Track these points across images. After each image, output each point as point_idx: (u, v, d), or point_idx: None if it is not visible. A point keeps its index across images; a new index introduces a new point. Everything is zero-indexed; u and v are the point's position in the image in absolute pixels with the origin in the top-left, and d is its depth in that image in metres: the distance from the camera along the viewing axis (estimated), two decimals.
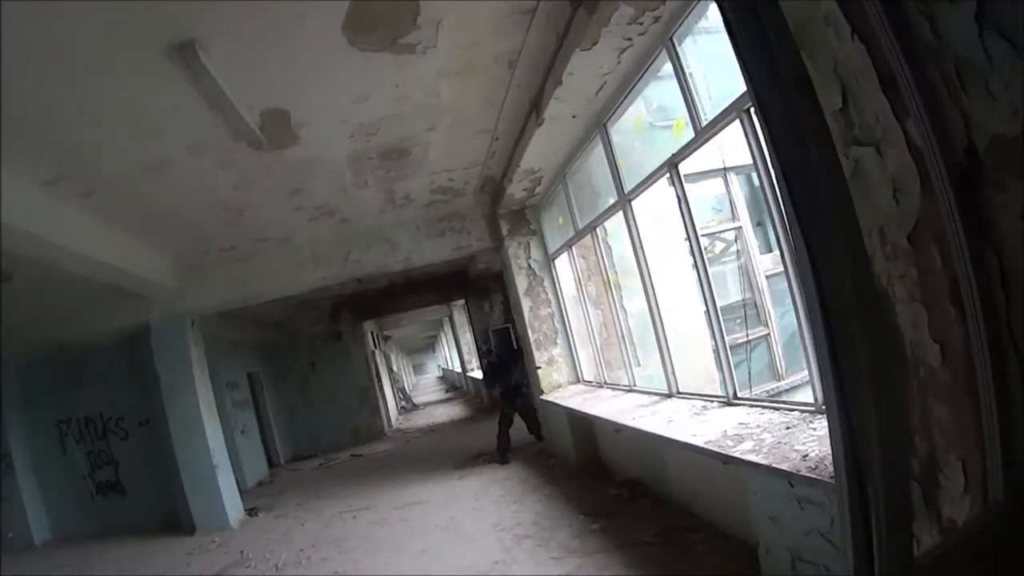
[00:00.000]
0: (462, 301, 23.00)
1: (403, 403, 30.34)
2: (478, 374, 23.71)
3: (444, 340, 43.53)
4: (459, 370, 33.45)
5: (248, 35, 4.82)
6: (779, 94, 2.03)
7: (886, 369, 2.51)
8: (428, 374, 64.95)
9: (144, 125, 5.77)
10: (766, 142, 2.10)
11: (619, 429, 6.83)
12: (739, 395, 5.56)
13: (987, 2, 1.86)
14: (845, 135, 2.50)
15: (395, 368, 34.91)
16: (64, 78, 4.69)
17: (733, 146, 5.86)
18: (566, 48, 5.65)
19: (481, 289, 20.97)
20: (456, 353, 32.89)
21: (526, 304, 11.11)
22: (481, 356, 20.14)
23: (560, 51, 5.82)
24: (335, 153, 7.72)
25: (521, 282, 11.13)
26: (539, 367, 10.98)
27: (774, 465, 3.65)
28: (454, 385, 38.46)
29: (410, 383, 41.38)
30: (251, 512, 11.55)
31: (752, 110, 4.22)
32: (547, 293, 11.16)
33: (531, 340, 11.04)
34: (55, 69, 4.55)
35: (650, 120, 7.22)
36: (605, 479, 8.57)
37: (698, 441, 4.74)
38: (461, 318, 28.01)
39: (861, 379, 1.97)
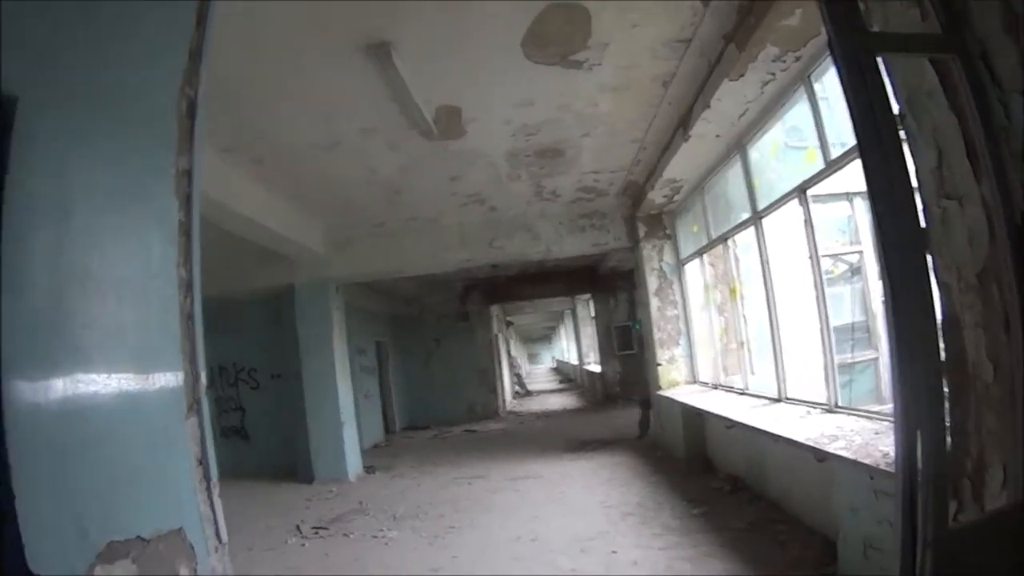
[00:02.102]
0: (588, 296, 23.53)
1: (517, 388, 31.06)
2: (595, 367, 24.27)
3: (563, 332, 43.76)
4: (575, 362, 33.82)
5: (436, 40, 5.61)
6: (880, 148, 2.62)
7: (953, 381, 3.11)
8: (542, 364, 65.20)
9: (325, 107, 6.64)
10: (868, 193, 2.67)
11: (731, 424, 7.36)
12: (839, 405, 6.05)
13: None
14: (938, 189, 3.07)
15: (513, 354, 35.66)
16: (263, 60, 5.51)
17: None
18: (716, 76, 6.24)
19: (608, 286, 21.48)
20: (575, 345, 33.28)
21: (654, 304, 11.65)
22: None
23: (710, 78, 6.41)
24: (495, 148, 8.49)
25: (652, 282, 11.68)
26: (660, 364, 11.50)
27: (858, 460, 4.23)
28: (568, 377, 38.78)
29: (524, 370, 42.11)
30: (369, 469, 12.33)
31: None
32: (675, 295, 11.65)
33: (655, 338, 11.57)
34: (256, 51, 5.33)
35: (785, 140, 7.64)
36: (709, 473, 9.06)
37: (799, 437, 5.31)
38: (584, 312, 28.52)
39: (935, 390, 2.55)
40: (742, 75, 5.97)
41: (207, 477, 2.94)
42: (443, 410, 19.85)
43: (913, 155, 3.20)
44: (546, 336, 55.78)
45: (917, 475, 2.48)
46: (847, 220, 9.19)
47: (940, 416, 2.55)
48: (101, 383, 2.39)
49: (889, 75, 3.16)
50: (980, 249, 2.88)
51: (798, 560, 5.40)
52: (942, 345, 3.12)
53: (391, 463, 13.13)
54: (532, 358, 61.29)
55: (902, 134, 3.03)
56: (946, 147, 3.01)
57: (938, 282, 3.19)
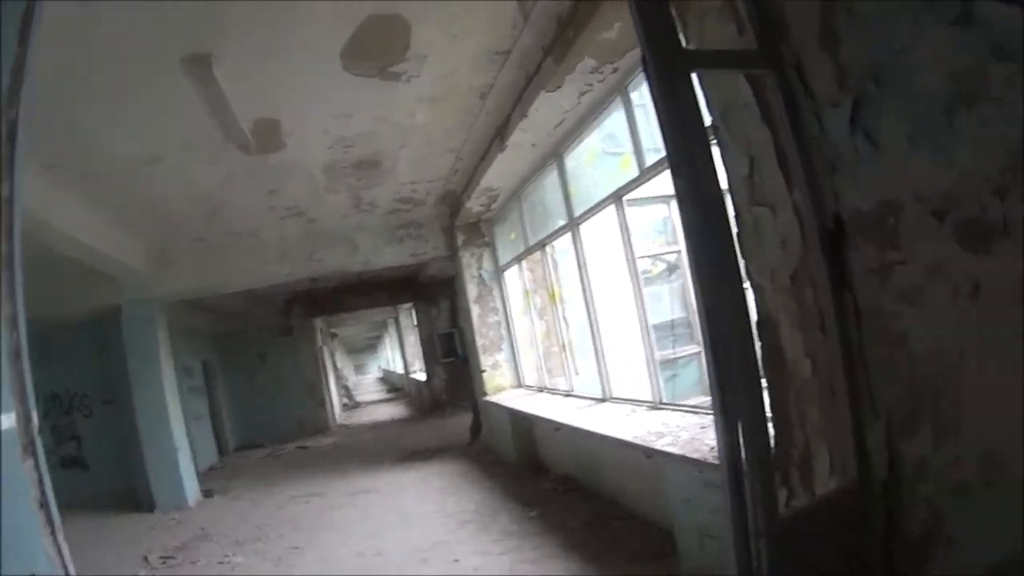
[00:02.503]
0: (410, 304, 23.51)
1: (346, 400, 30.66)
2: (420, 376, 24.25)
3: (387, 341, 43.44)
4: (401, 371, 33.66)
5: (256, 53, 5.44)
6: (690, 162, 2.72)
7: (772, 377, 3.30)
8: (369, 374, 64.49)
9: (148, 121, 6.31)
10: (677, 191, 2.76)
11: (558, 427, 7.56)
12: (664, 401, 6.32)
13: (858, 110, 2.61)
14: (750, 196, 3.25)
15: (339, 366, 35.16)
16: (87, 71, 5.17)
17: None
18: (533, 87, 6.35)
19: (429, 294, 21.55)
20: (400, 354, 33.15)
21: (475, 311, 11.79)
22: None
23: (528, 89, 6.52)
24: (314, 160, 8.34)
25: (472, 290, 11.82)
26: (484, 370, 11.67)
27: (686, 455, 4.45)
28: (395, 386, 38.53)
29: (351, 382, 41.56)
30: (207, 493, 11.88)
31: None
32: (495, 302, 11.86)
33: (478, 345, 11.71)
34: (81, 63, 5.00)
35: (603, 147, 7.88)
36: (541, 475, 9.20)
37: (626, 436, 5.52)
38: (407, 321, 28.40)
39: (752, 384, 2.67)
40: (559, 86, 6.12)
41: (50, 521, 2.80)
42: (275, 427, 19.36)
43: (725, 165, 3.38)
44: (371, 346, 55.20)
45: (742, 467, 2.56)
46: (664, 221, 9.61)
47: (760, 410, 2.65)
48: None
49: (704, 89, 3.31)
50: (792, 253, 3.06)
51: (638, 554, 5.57)
52: (759, 343, 3.30)
53: (228, 485, 12.77)
54: (358, 369, 60.47)
55: (715, 144, 3.19)
56: (758, 157, 3.18)
57: (752, 284, 3.38)
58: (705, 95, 3.34)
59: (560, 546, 6.16)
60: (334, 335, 33.38)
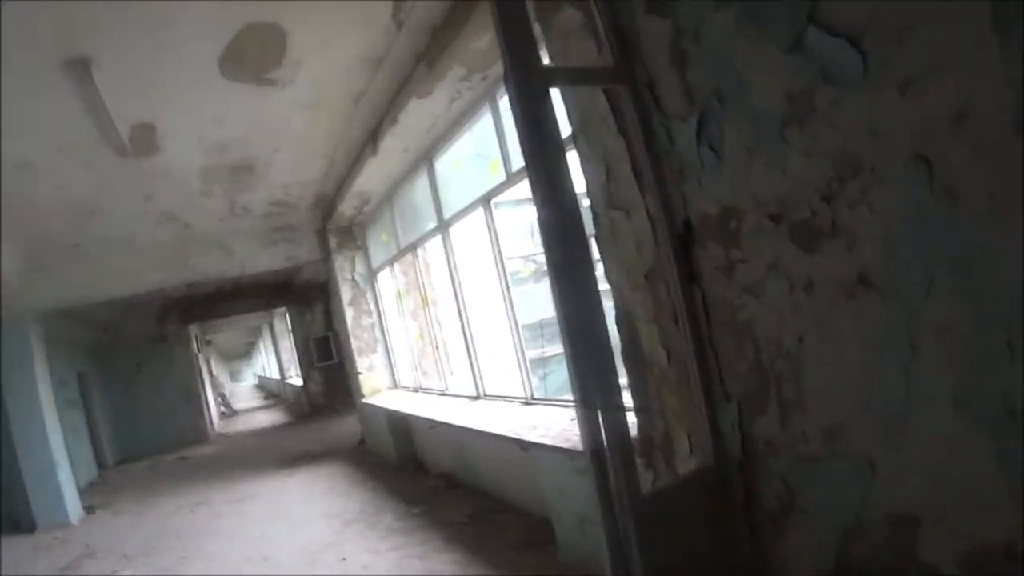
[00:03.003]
0: (284, 309, 23.27)
1: (223, 408, 29.89)
2: (297, 381, 23.91)
3: (263, 347, 42.52)
4: (278, 377, 33.12)
5: (135, 56, 5.34)
6: (546, 164, 2.92)
7: (631, 368, 3.56)
8: (244, 382, 62.65)
9: (21, 124, 6.02)
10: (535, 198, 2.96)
11: (434, 425, 7.72)
12: (535, 397, 6.59)
13: (703, 124, 2.89)
14: (607, 201, 3.51)
15: (215, 373, 34.19)
16: None
17: None
18: (405, 93, 6.48)
19: (304, 298, 21.42)
20: (275, 360, 32.62)
21: (349, 314, 11.80)
22: None
23: (399, 95, 6.65)
24: (189, 164, 8.20)
25: (346, 293, 11.82)
26: (360, 372, 11.70)
27: (557, 445, 4.71)
28: (272, 392, 37.69)
29: (228, 389, 40.42)
30: (88, 510, 11.45)
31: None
32: (369, 304, 11.90)
33: (354, 348, 11.73)
34: None
35: (477, 151, 8.05)
36: (423, 473, 9.33)
37: (501, 431, 5.74)
38: (282, 326, 27.97)
39: (609, 376, 2.90)
40: (430, 93, 6.26)
41: None
42: (154, 439, 18.74)
43: (584, 172, 3.65)
44: (246, 352, 53.69)
45: (605, 453, 2.78)
46: (534, 224, 9.88)
47: (618, 399, 2.87)
48: None
49: (564, 101, 3.55)
50: (647, 253, 3.34)
51: (519, 543, 5.79)
52: (618, 338, 3.57)
53: (110, 500, 12.36)
54: (234, 376, 58.63)
55: (574, 153, 3.43)
56: (614, 165, 3.44)
57: (610, 283, 3.66)
58: (566, 106, 3.59)
59: (445, 540, 6.32)
60: (209, 342, 32.45)
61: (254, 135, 7.67)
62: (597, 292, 2.86)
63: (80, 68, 5.23)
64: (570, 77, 3.41)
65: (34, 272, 10.45)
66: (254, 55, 5.76)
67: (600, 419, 2.74)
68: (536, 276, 10.19)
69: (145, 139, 7.01)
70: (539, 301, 10.35)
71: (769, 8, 2.44)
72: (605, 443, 2.75)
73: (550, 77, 3.05)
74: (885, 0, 2.08)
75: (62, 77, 5.31)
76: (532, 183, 2.83)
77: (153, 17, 4.82)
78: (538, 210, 2.83)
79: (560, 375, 9.96)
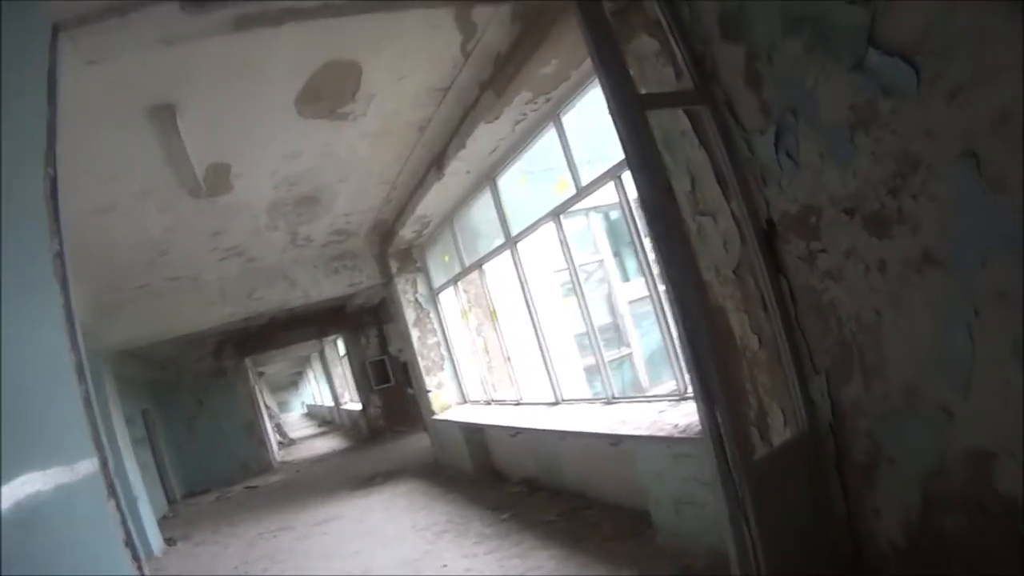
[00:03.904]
0: (336, 336, 23.64)
1: (280, 438, 30.34)
2: (354, 405, 24.31)
3: (312, 376, 42.84)
4: (330, 404, 33.48)
5: (218, 101, 5.74)
6: (649, 181, 3.39)
7: (725, 354, 3.97)
8: (293, 411, 63.18)
9: (106, 171, 6.44)
10: (641, 212, 3.43)
11: (517, 433, 8.13)
12: (617, 396, 6.94)
13: (780, 135, 3.32)
14: (693, 208, 3.95)
15: (268, 404, 34.73)
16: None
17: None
18: (471, 119, 6.90)
19: (357, 324, 21.80)
20: (328, 387, 32.98)
21: (415, 334, 12.19)
22: None
23: (465, 121, 7.07)
24: (259, 200, 8.64)
25: (410, 315, 12.23)
26: (429, 391, 12.10)
27: (654, 434, 5.11)
28: (324, 420, 38.13)
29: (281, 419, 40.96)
30: (169, 542, 11.76)
31: (625, 179, 5.62)
32: (433, 324, 12.29)
33: (421, 367, 12.12)
34: None
35: (526, 168, 8.44)
36: (501, 482, 9.62)
37: (592, 429, 6.14)
38: (333, 353, 28.45)
39: (719, 361, 3.35)
40: (497, 117, 6.67)
41: (136, 557, 3.10)
42: (218, 471, 19.08)
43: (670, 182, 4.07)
44: (293, 383, 54.27)
45: (719, 428, 3.23)
46: (584, 232, 10.27)
47: (728, 382, 3.36)
48: (40, 482, 2.53)
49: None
50: (734, 251, 3.77)
51: (615, 534, 6.10)
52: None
53: (187, 532, 12.63)
54: (282, 406, 59.06)
55: None
56: (698, 175, 3.89)
57: None
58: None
59: (539, 538, 6.61)
60: (261, 374, 33.06)
61: (322, 167, 8.07)
62: (703, 286, 3.32)
63: (165, 114, 5.60)
64: (662, 101, 3.86)
65: (104, 314, 10.89)
66: (330, 92, 6.15)
67: (715, 399, 3.17)
68: (596, 283, 10.54)
69: (219, 179, 7.43)
70: (595, 308, 10.67)
71: (833, 34, 2.87)
72: (720, 423, 3.18)
73: (647, 103, 3.52)
74: (933, 23, 2.50)
75: (147, 123, 5.69)
76: (641, 196, 3.31)
77: (238, 62, 5.17)
78: (649, 222, 3.31)
79: (623, 377, 10.32)
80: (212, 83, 5.42)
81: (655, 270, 5.29)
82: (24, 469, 2.45)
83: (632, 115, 3.31)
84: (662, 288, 4.26)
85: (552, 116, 6.74)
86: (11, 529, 2.26)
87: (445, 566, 6.67)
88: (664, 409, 5.66)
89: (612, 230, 11.47)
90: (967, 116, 2.49)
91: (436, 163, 8.31)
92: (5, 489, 2.28)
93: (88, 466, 2.93)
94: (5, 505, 2.26)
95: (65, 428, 2.92)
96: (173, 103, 5.54)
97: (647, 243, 4.55)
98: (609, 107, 3.33)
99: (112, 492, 3.10)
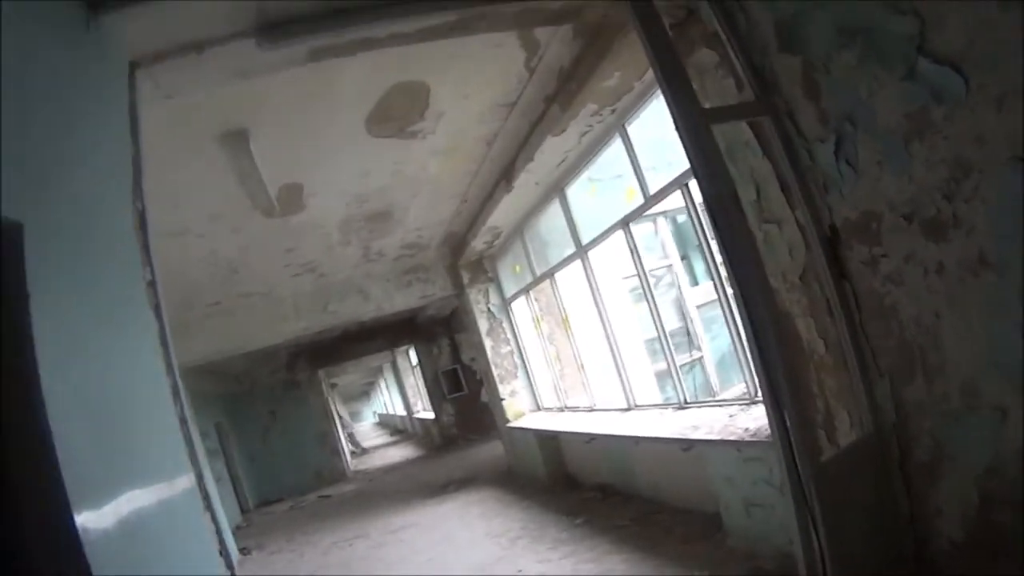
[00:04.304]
0: (408, 346, 24.01)
1: (352, 448, 30.80)
2: (426, 414, 24.60)
3: (384, 386, 43.32)
4: (403, 414, 33.90)
5: (289, 125, 5.98)
6: (716, 192, 3.51)
7: (792, 359, 4.05)
8: (365, 421, 63.95)
9: (177, 196, 6.66)
10: (709, 223, 3.55)
11: (591, 439, 8.23)
12: (688, 401, 7.00)
13: (840, 144, 3.40)
14: (759, 216, 4.05)
15: (340, 414, 35.32)
16: None
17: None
18: (538, 133, 7.07)
19: (429, 334, 22.08)
20: (400, 396, 33.38)
21: (488, 344, 12.38)
22: None
23: (532, 135, 7.23)
24: (331, 218, 8.92)
25: (483, 324, 12.40)
26: (503, 399, 12.25)
27: (725, 438, 5.18)
28: (396, 428, 38.56)
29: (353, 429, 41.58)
30: (244, 551, 12.03)
31: (691, 186, 5.70)
32: (506, 333, 12.45)
33: (495, 375, 12.30)
34: None
35: (590, 175, 8.50)
36: (575, 488, 9.74)
37: (664, 434, 6.24)
38: (404, 363, 28.82)
39: (787, 365, 3.45)
40: (564, 130, 6.81)
41: (229, 566, 3.32)
42: (292, 481, 19.52)
43: None
44: (365, 393, 54.96)
45: (788, 431, 3.33)
46: (651, 237, 10.30)
47: (796, 386, 3.46)
48: (143, 498, 2.73)
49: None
50: (799, 258, 3.86)
51: (688, 536, 6.21)
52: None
53: (262, 541, 12.96)
54: (353, 416, 59.76)
55: None
56: (762, 184, 3.98)
57: None
58: None
59: (613, 543, 6.73)
60: (334, 385, 33.65)
61: (393, 184, 8.30)
62: (770, 292, 3.43)
63: (238, 138, 5.84)
64: (725, 115, 3.97)
65: (178, 331, 11.13)
66: (400, 112, 6.35)
67: (784, 403, 3.27)
68: (665, 287, 10.55)
69: (292, 199, 7.69)
70: (665, 313, 10.66)
71: (884, 44, 2.95)
72: (789, 426, 3.27)
73: (711, 117, 3.65)
74: (977, 33, 2.58)
75: (219, 148, 5.93)
76: (708, 208, 3.43)
77: (309, 87, 5.37)
78: (717, 232, 3.43)
79: (694, 381, 10.30)
80: (283, 108, 5.63)
81: (723, 273, 5.36)
82: (128, 486, 2.57)
83: (697, 130, 3.44)
84: (730, 291, 4.37)
85: (617, 126, 6.84)
86: (114, 543, 2.37)
87: (520, 570, 6.81)
88: (734, 413, 5.73)
89: (679, 234, 11.45)
90: (1014, 122, 2.56)
91: (505, 176, 8.49)
92: (108, 507, 2.43)
93: (185, 481, 3.14)
94: (111, 522, 2.38)
95: (164, 446, 3.12)
96: (246, 128, 5.77)
97: (715, 247, 4.66)
98: (675, 122, 3.46)
99: (208, 504, 3.32)
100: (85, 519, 2.21)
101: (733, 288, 3.48)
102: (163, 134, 5.10)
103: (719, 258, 4.31)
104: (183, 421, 3.40)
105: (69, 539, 2.19)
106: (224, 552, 3.39)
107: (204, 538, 3.28)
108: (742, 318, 3.42)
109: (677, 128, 3.45)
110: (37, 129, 2.59)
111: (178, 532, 3.02)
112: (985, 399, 3.00)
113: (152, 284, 3.52)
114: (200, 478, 3.35)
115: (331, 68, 4.79)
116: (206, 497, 3.36)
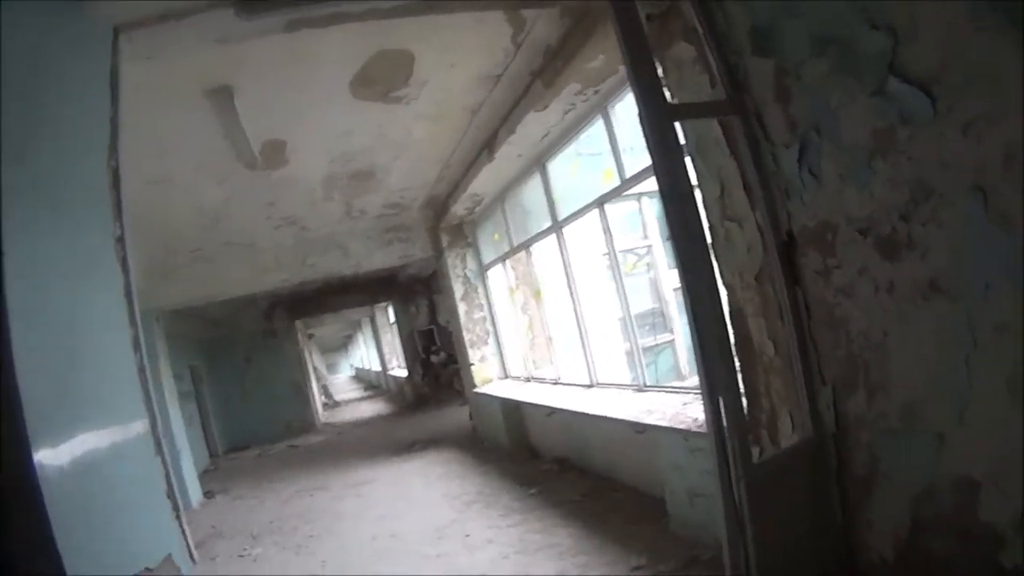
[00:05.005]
0: (388, 303, 24.04)
1: (325, 400, 30.93)
2: (401, 372, 24.74)
3: (362, 340, 43.42)
4: (378, 369, 34.02)
5: (273, 83, 5.99)
6: (672, 190, 3.53)
7: (742, 357, 4.10)
8: (341, 373, 64.10)
9: (162, 146, 6.74)
10: (663, 218, 3.58)
11: (552, 412, 8.32)
12: (648, 384, 7.09)
13: (804, 151, 3.41)
14: (722, 213, 4.07)
15: (316, 366, 35.39)
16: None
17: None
18: (522, 107, 7.07)
19: (408, 292, 22.21)
20: (376, 352, 33.44)
21: (462, 308, 12.48)
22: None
23: (516, 108, 7.24)
24: (314, 174, 8.96)
25: (458, 289, 12.50)
26: (472, 364, 12.38)
27: (675, 426, 5.26)
28: (371, 384, 38.74)
29: (327, 381, 41.71)
30: (208, 495, 12.23)
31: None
32: (481, 299, 12.55)
33: (466, 340, 12.42)
34: None
35: (577, 150, 8.55)
36: (535, 458, 9.84)
37: (621, 415, 6.31)
38: (383, 319, 28.85)
39: (728, 363, 3.50)
40: (547, 106, 6.82)
41: (176, 507, 3.44)
42: (262, 429, 19.60)
43: (701, 187, 4.20)
44: (343, 345, 55.12)
45: (724, 430, 3.38)
46: (637, 215, 10.34)
47: (735, 385, 3.53)
48: (97, 440, 2.87)
49: (682, 126, 4.12)
50: (756, 258, 3.89)
51: (633, 517, 6.31)
52: (732, 331, 4.12)
53: (226, 486, 13.08)
54: (330, 368, 59.97)
55: (692, 172, 3.99)
56: (727, 182, 4.00)
57: (724, 283, 4.22)
58: (684, 131, 4.15)
59: (562, 516, 6.84)
60: (311, 336, 33.65)
61: (377, 146, 8.35)
62: (718, 293, 3.48)
63: (222, 94, 5.88)
64: (692, 111, 3.99)
65: (158, 275, 11.32)
66: (383, 77, 6.38)
67: (721, 403, 3.32)
68: (642, 269, 10.62)
69: (275, 154, 7.74)
70: (641, 293, 10.75)
71: (856, 58, 2.95)
72: (724, 421, 3.32)
73: (677, 113, 3.66)
74: (950, 57, 2.59)
75: (204, 103, 5.98)
76: (664, 200, 3.46)
77: (294, 49, 5.36)
78: (670, 226, 3.46)
79: (665, 362, 10.41)
80: (267, 68, 5.65)
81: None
82: (82, 429, 2.74)
83: (659, 125, 3.44)
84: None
85: (600, 108, 6.86)
86: (68, 480, 2.55)
87: (468, 536, 6.95)
88: (689, 402, 5.80)
89: (664, 216, 11.50)
90: (979, 150, 2.57)
91: (488, 146, 8.49)
92: (64, 446, 2.57)
93: (140, 426, 3.29)
94: (63, 460, 2.55)
95: (121, 393, 3.28)
96: (230, 85, 5.81)
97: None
98: (639, 115, 3.47)
99: (159, 449, 3.43)
100: (42, 456, 2.41)
101: (681, 283, 3.51)
102: (148, 88, 5.16)
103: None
104: (141, 370, 3.50)
105: (26, 475, 2.31)
106: (171, 495, 3.48)
107: (154, 480, 3.39)
108: (687, 313, 3.46)
109: (640, 120, 3.45)
110: (15, 90, 2.70)
111: (130, 473, 3.16)
112: (924, 422, 3.04)
113: (121, 240, 3.62)
114: (154, 424, 3.47)
115: (313, 34, 4.75)
116: (158, 443, 3.45)
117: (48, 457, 2.41)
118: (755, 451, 4.11)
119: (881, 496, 3.39)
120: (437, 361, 21.76)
